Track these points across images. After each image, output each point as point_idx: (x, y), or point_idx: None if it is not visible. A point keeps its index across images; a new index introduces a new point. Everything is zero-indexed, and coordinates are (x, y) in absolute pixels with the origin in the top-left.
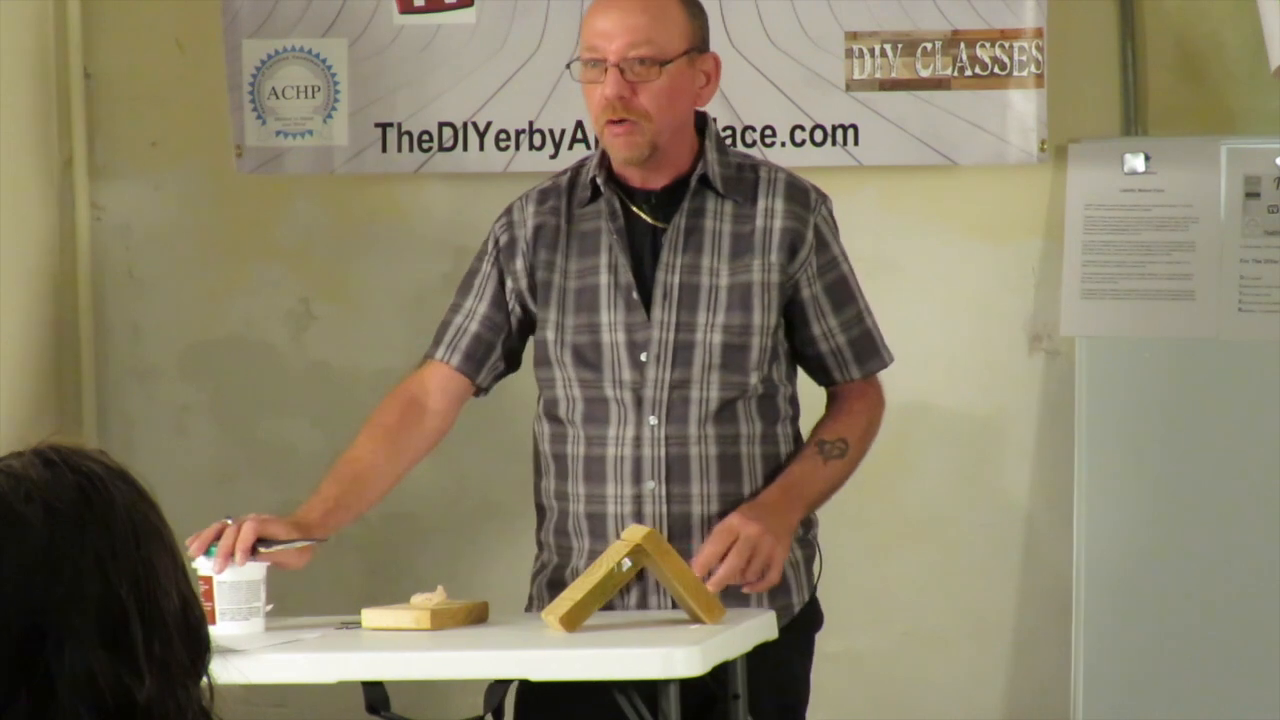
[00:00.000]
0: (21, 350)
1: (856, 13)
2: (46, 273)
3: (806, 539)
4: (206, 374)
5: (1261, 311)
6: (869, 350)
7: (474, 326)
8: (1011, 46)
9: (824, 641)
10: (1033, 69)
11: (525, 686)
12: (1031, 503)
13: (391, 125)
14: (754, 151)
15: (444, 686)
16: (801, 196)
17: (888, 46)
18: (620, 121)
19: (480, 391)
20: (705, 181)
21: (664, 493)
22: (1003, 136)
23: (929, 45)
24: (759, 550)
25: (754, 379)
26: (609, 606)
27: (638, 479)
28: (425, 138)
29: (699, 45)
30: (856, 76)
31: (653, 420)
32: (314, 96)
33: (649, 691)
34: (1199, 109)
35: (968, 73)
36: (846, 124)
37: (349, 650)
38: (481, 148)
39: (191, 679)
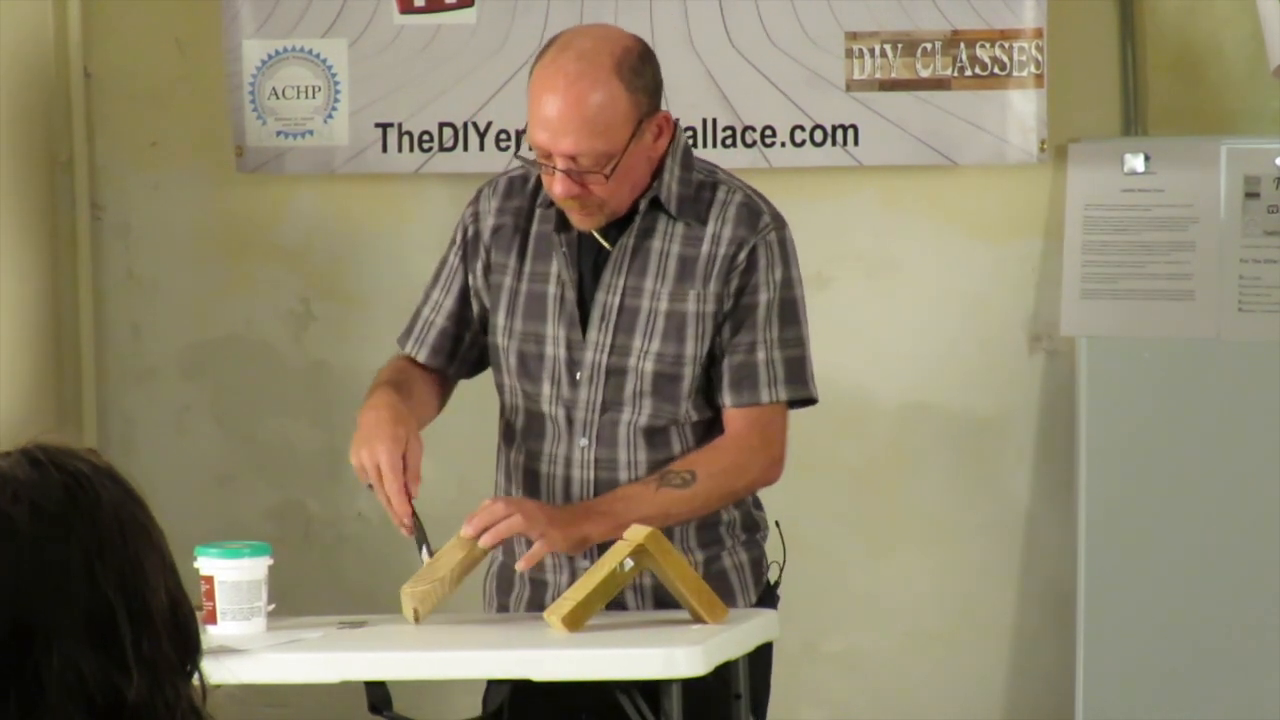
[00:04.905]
0: (21, 350)
1: (856, 13)
2: (46, 273)
3: (753, 540)
4: (206, 374)
5: (1261, 311)
6: (747, 381)
7: (440, 321)
8: (1011, 46)
9: (824, 641)
10: (1033, 69)
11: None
12: (1031, 503)
13: (391, 125)
14: (753, 152)
15: (444, 686)
16: (751, 220)
17: (888, 46)
18: (576, 209)
19: (466, 374)
20: (658, 202)
21: None
22: (1003, 136)
23: (929, 45)
24: (521, 508)
25: (684, 407)
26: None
27: (568, 499)
28: (425, 138)
29: (646, 113)
30: (856, 76)
31: (583, 442)
32: (314, 96)
33: (650, 691)
34: (1199, 109)
35: (968, 73)
36: (846, 124)
37: (350, 650)
38: (481, 148)
39: (181, 677)
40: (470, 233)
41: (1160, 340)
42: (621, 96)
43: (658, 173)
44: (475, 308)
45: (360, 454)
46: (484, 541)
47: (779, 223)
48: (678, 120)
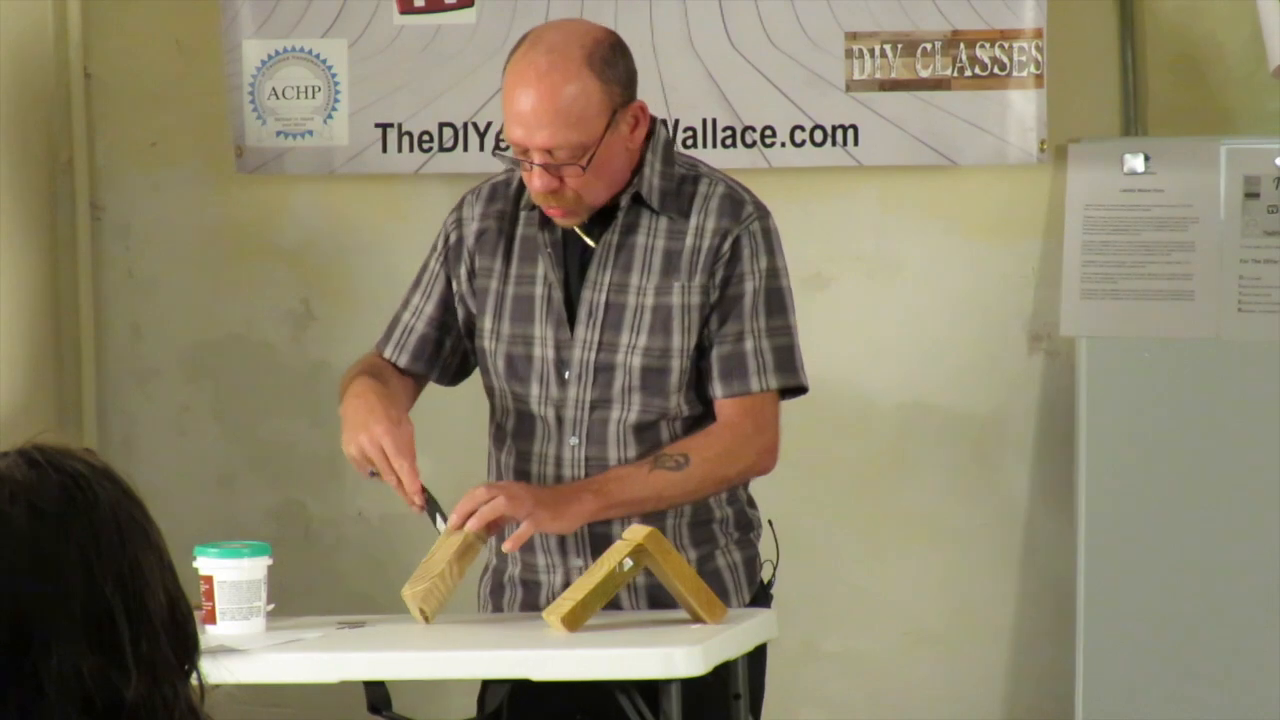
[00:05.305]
0: (21, 350)
1: (856, 13)
2: (46, 273)
3: (746, 539)
4: (206, 374)
5: (1261, 311)
6: (736, 371)
7: (420, 326)
8: (1011, 46)
9: (824, 641)
10: (1032, 69)
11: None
12: (1031, 503)
13: (391, 125)
14: (753, 152)
15: (444, 686)
16: (734, 211)
17: (888, 47)
18: (554, 205)
19: (448, 382)
20: (640, 198)
21: None
22: (1003, 136)
23: (929, 45)
24: (506, 491)
25: (674, 401)
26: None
27: None
28: (425, 138)
29: (621, 104)
30: (856, 77)
31: (573, 441)
32: (314, 96)
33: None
34: (1199, 109)
35: (968, 73)
36: (846, 124)
37: (350, 650)
38: (481, 148)
39: (179, 677)
40: (453, 239)
41: (1160, 340)
42: (594, 87)
43: (638, 168)
44: (460, 314)
45: (359, 440)
46: (470, 526)
47: (762, 212)
48: (674, 119)
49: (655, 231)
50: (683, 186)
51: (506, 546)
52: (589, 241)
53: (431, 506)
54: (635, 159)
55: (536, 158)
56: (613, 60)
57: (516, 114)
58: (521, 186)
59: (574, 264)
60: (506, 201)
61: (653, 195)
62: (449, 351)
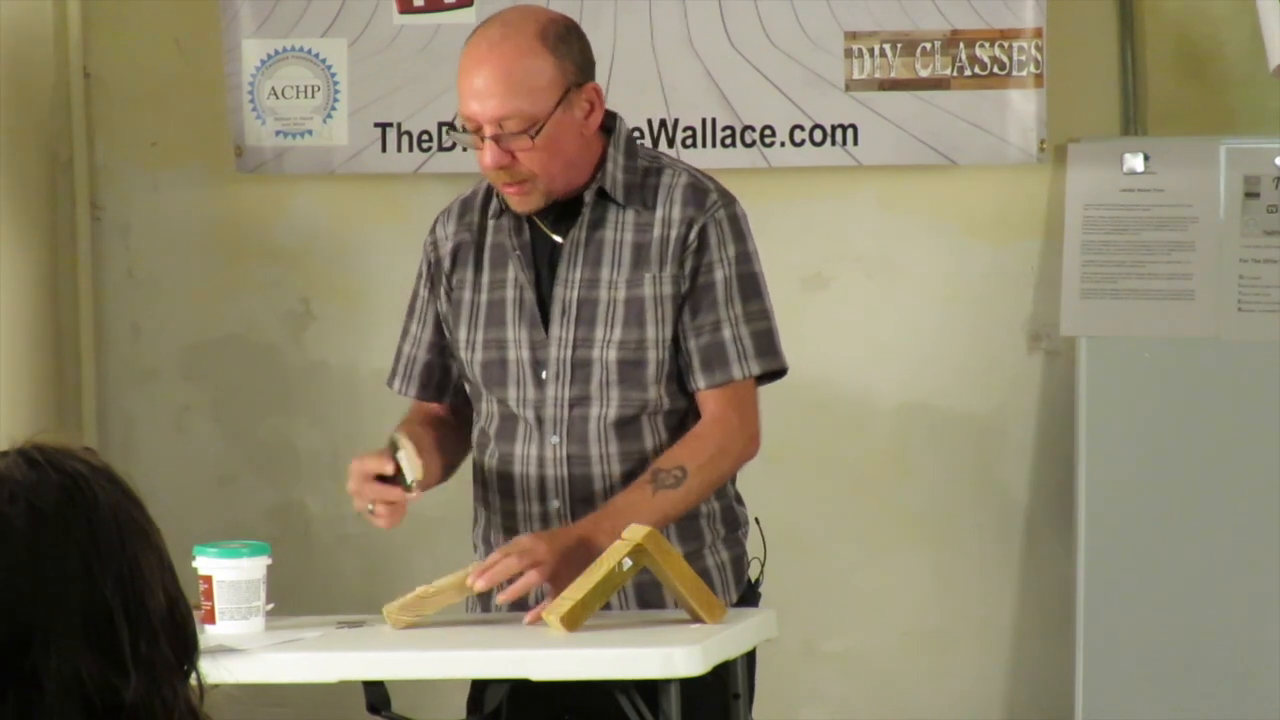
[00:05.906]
0: (21, 350)
1: (856, 13)
2: (46, 273)
3: (734, 537)
4: (206, 374)
5: (1261, 311)
6: (717, 360)
7: (422, 355)
8: (1011, 46)
9: (824, 641)
10: (1032, 69)
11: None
12: (1031, 503)
13: (391, 125)
14: (753, 152)
15: (442, 686)
16: (698, 199)
17: (887, 46)
18: (508, 182)
19: (462, 404)
20: (604, 192)
21: (568, 512)
22: (1002, 136)
23: (929, 45)
24: (534, 559)
25: (653, 394)
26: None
27: (543, 498)
28: (425, 138)
29: (574, 83)
30: (856, 76)
31: (554, 439)
32: (314, 96)
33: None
34: (1199, 109)
35: (967, 73)
36: (846, 124)
37: (349, 650)
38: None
39: (179, 677)
40: (432, 261)
41: (1160, 340)
42: (546, 60)
43: (601, 163)
44: (448, 333)
45: (358, 507)
46: (501, 600)
47: (727, 200)
48: (674, 119)
49: (622, 225)
50: (646, 179)
51: (528, 619)
52: (556, 239)
53: (402, 461)
54: (594, 148)
55: (487, 130)
56: (567, 39)
57: (469, 88)
58: (488, 197)
59: (544, 264)
60: (474, 213)
61: (616, 189)
62: (456, 375)
